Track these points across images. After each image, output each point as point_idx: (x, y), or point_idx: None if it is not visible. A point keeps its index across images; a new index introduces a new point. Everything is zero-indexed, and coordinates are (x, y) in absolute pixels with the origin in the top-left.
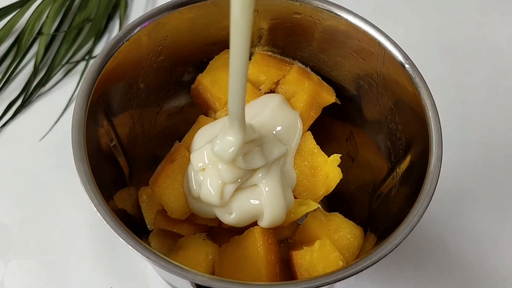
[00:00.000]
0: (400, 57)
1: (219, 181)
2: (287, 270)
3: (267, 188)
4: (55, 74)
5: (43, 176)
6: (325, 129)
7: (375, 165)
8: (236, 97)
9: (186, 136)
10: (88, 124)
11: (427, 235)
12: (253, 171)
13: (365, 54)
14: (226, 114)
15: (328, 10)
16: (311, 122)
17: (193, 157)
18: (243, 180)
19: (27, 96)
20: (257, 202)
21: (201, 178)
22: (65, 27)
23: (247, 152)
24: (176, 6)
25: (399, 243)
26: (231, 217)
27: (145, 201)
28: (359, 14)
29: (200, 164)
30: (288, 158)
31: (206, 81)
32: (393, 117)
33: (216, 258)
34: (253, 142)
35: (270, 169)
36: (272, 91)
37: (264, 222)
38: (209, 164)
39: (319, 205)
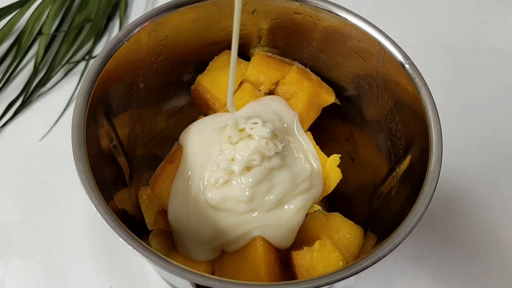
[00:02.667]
0: (400, 57)
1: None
2: (287, 270)
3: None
4: (55, 74)
5: (43, 176)
6: (325, 129)
7: (375, 165)
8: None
9: None
10: (88, 124)
11: (427, 235)
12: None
13: (365, 54)
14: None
15: (328, 10)
16: (311, 122)
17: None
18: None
19: (27, 96)
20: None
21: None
22: (65, 27)
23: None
24: (176, 6)
25: (399, 243)
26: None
27: (145, 201)
28: (359, 14)
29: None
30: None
31: (206, 82)
32: (393, 117)
33: (216, 258)
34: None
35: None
36: (271, 91)
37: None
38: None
39: (320, 207)
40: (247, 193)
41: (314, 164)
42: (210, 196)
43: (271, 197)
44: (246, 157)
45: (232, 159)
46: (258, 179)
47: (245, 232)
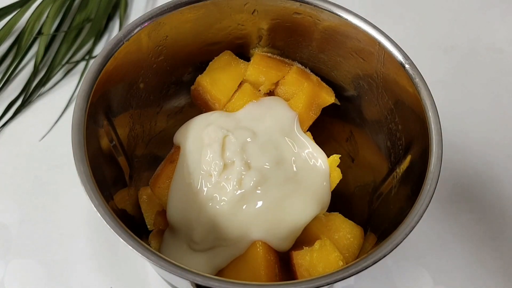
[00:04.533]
0: (400, 57)
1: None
2: (287, 270)
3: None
4: (55, 74)
5: (43, 176)
6: (325, 129)
7: (375, 165)
8: None
9: None
10: (88, 124)
11: (427, 235)
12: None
13: (365, 54)
14: None
15: (328, 10)
16: (311, 122)
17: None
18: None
19: (27, 96)
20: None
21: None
22: (65, 27)
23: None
24: (176, 6)
25: (399, 243)
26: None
27: (145, 201)
28: (359, 14)
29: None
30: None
31: (206, 82)
32: (393, 117)
33: None
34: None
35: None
36: (271, 91)
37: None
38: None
39: None
40: (244, 226)
41: (324, 166)
42: (197, 249)
43: (282, 227)
44: (237, 194)
45: (214, 195)
46: (263, 211)
47: (244, 245)
